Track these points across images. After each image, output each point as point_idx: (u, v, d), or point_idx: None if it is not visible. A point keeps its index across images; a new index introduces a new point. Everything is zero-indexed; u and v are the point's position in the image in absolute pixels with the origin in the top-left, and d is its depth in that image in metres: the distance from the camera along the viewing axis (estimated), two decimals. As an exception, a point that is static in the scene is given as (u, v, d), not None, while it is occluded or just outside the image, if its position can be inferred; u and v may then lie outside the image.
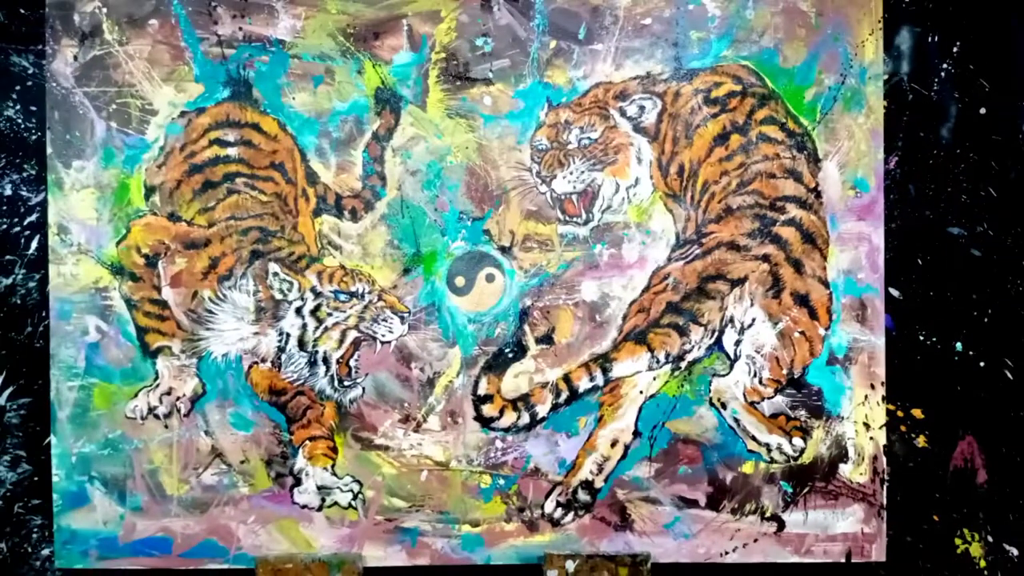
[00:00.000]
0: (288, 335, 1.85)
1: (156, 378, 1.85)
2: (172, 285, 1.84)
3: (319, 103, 1.84)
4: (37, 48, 1.82)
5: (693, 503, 1.88)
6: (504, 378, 1.86)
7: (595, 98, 1.85)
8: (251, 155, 1.85)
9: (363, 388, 1.87)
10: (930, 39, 1.85)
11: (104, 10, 1.82)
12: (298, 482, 1.86)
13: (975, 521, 1.88)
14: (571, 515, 1.87)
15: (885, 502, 1.88)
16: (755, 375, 1.86)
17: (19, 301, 1.84)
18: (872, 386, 1.87)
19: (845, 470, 1.88)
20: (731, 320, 1.86)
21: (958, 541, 1.88)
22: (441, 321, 1.86)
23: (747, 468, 1.88)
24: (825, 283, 1.86)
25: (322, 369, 1.85)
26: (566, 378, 1.86)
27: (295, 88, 1.84)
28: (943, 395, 1.87)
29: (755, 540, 1.88)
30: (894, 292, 1.87)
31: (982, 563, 1.88)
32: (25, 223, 1.84)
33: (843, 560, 1.88)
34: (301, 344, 1.85)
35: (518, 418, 1.86)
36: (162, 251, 1.84)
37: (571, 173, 1.84)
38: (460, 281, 1.86)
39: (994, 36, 1.85)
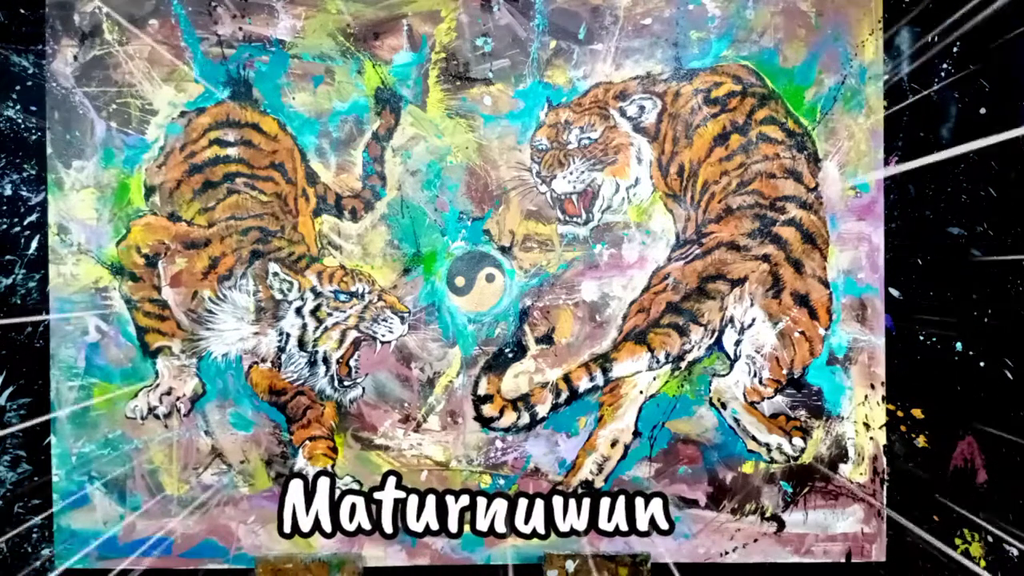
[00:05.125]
0: (288, 335, 1.85)
1: (156, 378, 1.85)
2: (172, 285, 1.84)
3: (319, 103, 1.84)
4: (37, 48, 1.82)
5: (693, 503, 1.88)
6: (504, 378, 1.87)
7: (595, 98, 1.85)
8: (251, 155, 1.85)
9: (363, 388, 1.87)
10: (930, 39, 1.85)
11: (104, 10, 1.82)
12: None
13: (975, 521, 1.88)
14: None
15: (885, 502, 1.88)
16: (755, 375, 1.86)
17: (19, 301, 1.84)
18: (872, 386, 1.87)
19: (845, 470, 1.88)
20: (731, 320, 1.86)
21: (958, 541, 1.88)
22: (441, 321, 1.86)
23: (747, 468, 1.88)
24: (825, 283, 1.86)
25: (322, 369, 1.85)
26: (566, 378, 1.86)
27: (295, 88, 1.84)
28: (943, 395, 1.87)
29: (755, 540, 1.88)
30: (894, 292, 1.87)
31: (982, 563, 1.88)
32: (25, 223, 1.84)
33: (843, 560, 1.88)
34: (301, 344, 1.85)
35: (518, 418, 1.86)
36: (162, 251, 1.84)
37: (571, 173, 1.84)
38: (460, 281, 1.86)
39: (994, 36, 1.85)
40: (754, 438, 1.87)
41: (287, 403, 1.86)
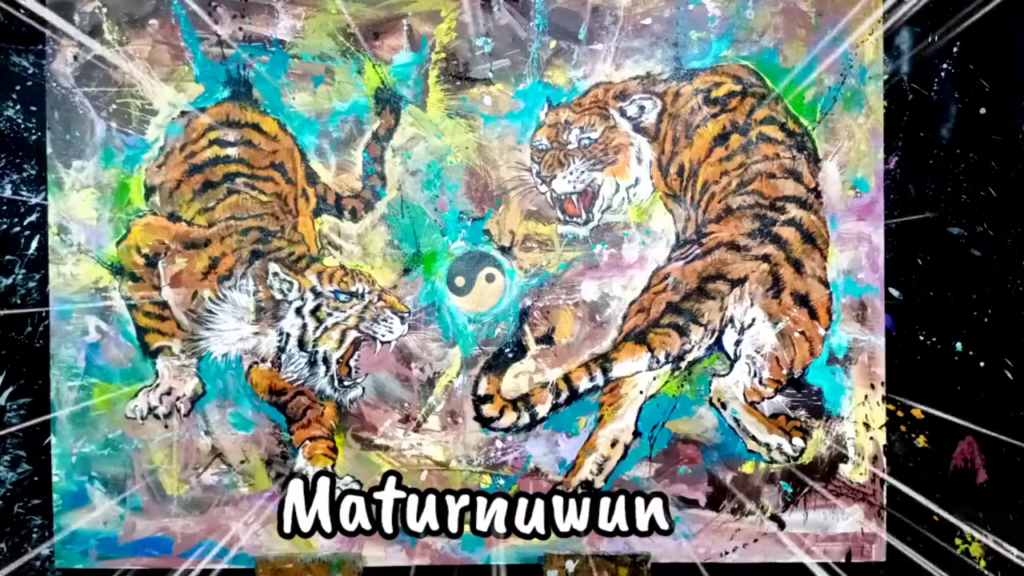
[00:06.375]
0: (288, 335, 1.85)
1: (156, 378, 1.85)
2: (172, 285, 1.84)
3: (319, 103, 1.84)
4: (37, 48, 1.82)
5: (693, 503, 1.88)
6: (504, 378, 1.87)
7: (595, 98, 1.85)
8: (251, 155, 1.85)
9: (363, 388, 1.87)
10: (930, 39, 1.85)
11: (104, 10, 1.82)
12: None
13: (975, 521, 1.88)
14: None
15: (885, 502, 1.88)
16: (755, 375, 1.86)
17: (19, 301, 1.84)
18: (872, 386, 1.87)
19: (845, 470, 1.88)
20: (731, 320, 1.86)
21: (958, 541, 1.88)
22: (441, 321, 1.86)
23: (747, 468, 1.88)
24: (825, 283, 1.86)
25: (322, 369, 1.85)
26: (566, 378, 1.86)
27: (295, 88, 1.84)
28: (943, 395, 1.87)
29: (755, 540, 1.88)
30: (894, 292, 1.87)
31: (982, 563, 1.88)
32: (25, 223, 1.84)
33: (843, 560, 1.88)
34: (301, 344, 1.85)
35: (518, 418, 1.86)
36: (162, 251, 1.84)
37: (571, 173, 1.84)
38: (460, 281, 1.86)
39: (994, 36, 1.85)
40: (754, 438, 1.87)
41: (287, 403, 1.86)
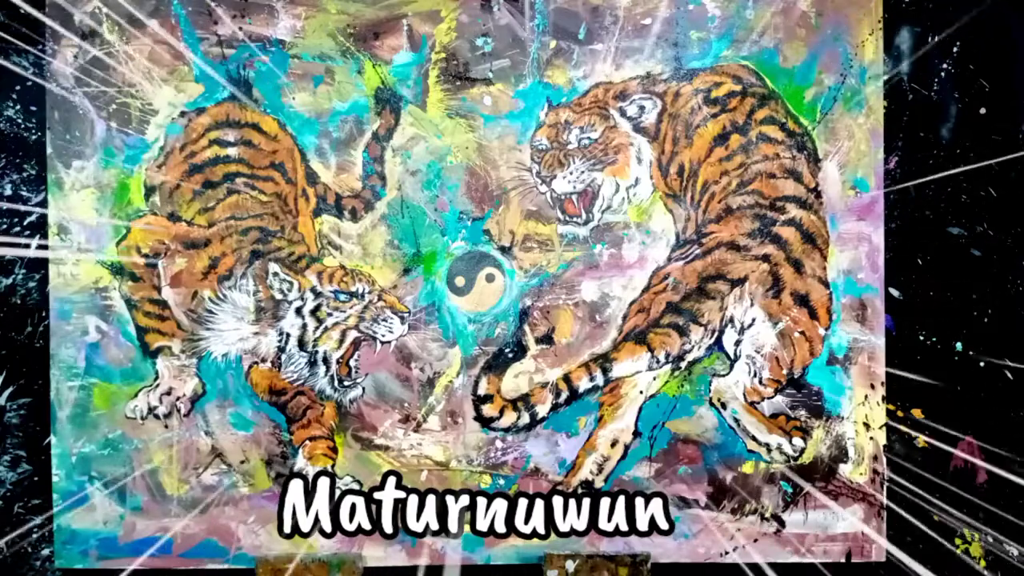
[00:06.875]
0: (288, 335, 1.85)
1: (156, 378, 1.85)
2: (172, 285, 1.84)
3: (319, 103, 1.84)
4: (37, 48, 1.82)
5: (693, 503, 1.88)
6: (504, 378, 1.87)
7: (595, 98, 1.85)
8: (251, 155, 1.85)
9: (363, 388, 1.87)
10: (930, 39, 1.85)
11: (104, 10, 1.82)
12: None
13: (975, 521, 1.88)
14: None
15: (885, 502, 1.88)
16: (755, 375, 1.86)
17: (19, 301, 1.84)
18: (872, 386, 1.87)
19: (845, 470, 1.88)
20: (731, 320, 1.86)
21: (958, 541, 1.88)
22: (441, 321, 1.86)
23: (747, 468, 1.88)
24: (825, 283, 1.86)
25: (322, 369, 1.85)
26: (566, 378, 1.86)
27: (295, 88, 1.84)
28: (943, 395, 1.87)
29: (755, 540, 1.88)
30: (894, 292, 1.87)
31: (982, 563, 1.88)
32: (25, 223, 1.84)
33: (843, 560, 1.88)
34: (301, 344, 1.85)
35: (518, 418, 1.86)
36: (162, 251, 1.84)
37: (571, 173, 1.84)
38: (460, 281, 1.86)
39: (994, 36, 1.85)
40: (754, 438, 1.87)
41: (287, 403, 1.86)
